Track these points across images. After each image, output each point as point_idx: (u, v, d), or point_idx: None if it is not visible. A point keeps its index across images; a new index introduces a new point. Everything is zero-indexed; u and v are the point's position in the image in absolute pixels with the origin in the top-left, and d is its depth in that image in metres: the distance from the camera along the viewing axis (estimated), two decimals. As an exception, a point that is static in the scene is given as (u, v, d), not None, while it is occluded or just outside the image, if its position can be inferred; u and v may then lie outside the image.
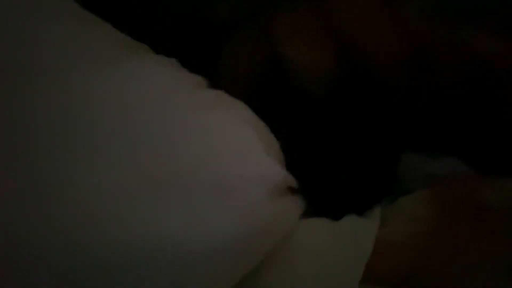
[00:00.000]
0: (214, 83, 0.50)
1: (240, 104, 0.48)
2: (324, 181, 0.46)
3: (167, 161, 0.38)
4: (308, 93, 0.50)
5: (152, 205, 0.37)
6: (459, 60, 0.51)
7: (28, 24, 0.43)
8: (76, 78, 0.41)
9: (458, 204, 0.43)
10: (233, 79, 0.52)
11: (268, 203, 0.39)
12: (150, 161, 0.38)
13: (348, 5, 0.52)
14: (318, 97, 0.50)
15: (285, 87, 0.50)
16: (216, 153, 0.40)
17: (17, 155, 0.37)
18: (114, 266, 0.35)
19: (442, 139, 0.52)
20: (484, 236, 0.40)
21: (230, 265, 0.37)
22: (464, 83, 0.52)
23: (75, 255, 0.35)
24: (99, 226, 0.36)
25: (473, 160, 0.50)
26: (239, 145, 0.42)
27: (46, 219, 0.36)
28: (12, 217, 0.36)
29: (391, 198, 0.47)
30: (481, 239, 0.40)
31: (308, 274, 0.39)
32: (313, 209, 0.44)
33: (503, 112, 0.51)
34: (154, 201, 0.37)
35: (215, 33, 0.53)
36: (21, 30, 0.42)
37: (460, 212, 0.42)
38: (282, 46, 0.51)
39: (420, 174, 0.50)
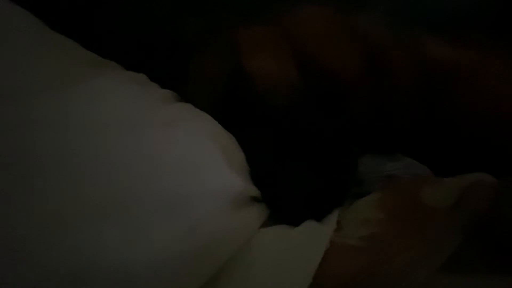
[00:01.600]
0: (184, 97, 0.52)
1: (204, 116, 0.49)
2: (285, 188, 0.47)
3: (108, 185, 0.38)
4: (270, 103, 0.51)
5: (90, 232, 0.36)
6: (414, 67, 0.54)
7: None
8: (31, 102, 0.41)
9: (403, 205, 0.44)
10: (200, 92, 0.53)
11: (222, 215, 0.40)
12: (91, 187, 0.38)
13: (307, 19, 0.54)
14: (280, 107, 0.51)
15: (249, 99, 0.52)
16: (166, 170, 0.40)
17: None
18: None
19: (400, 141, 0.54)
20: (424, 234, 0.42)
21: (177, 283, 0.37)
22: (417, 87, 0.54)
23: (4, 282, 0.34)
24: (32, 252, 0.35)
25: (430, 160, 0.53)
26: (194, 159, 0.42)
27: None
28: None
29: (351, 201, 0.48)
30: (421, 237, 0.42)
31: (262, 282, 0.39)
32: (276, 217, 0.46)
33: (455, 116, 0.54)
34: (92, 226, 0.36)
35: (181, 49, 0.54)
36: None
37: (404, 213, 0.44)
38: (245, 60, 0.52)
39: (379, 175, 0.52)
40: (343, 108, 0.53)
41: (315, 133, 0.51)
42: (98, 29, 0.54)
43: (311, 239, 0.42)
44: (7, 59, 0.44)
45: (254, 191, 0.46)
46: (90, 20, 0.55)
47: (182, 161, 0.42)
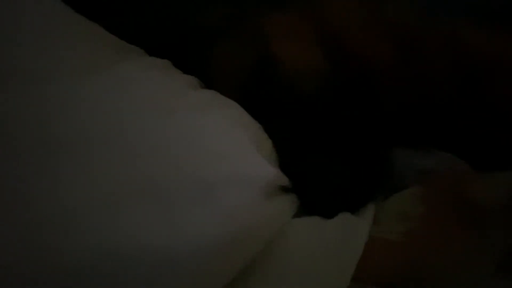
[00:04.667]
0: (207, 84, 0.50)
1: (232, 103, 0.47)
2: (316, 179, 0.46)
3: (145, 167, 0.38)
4: (299, 91, 0.50)
5: (127, 213, 0.36)
6: (449, 55, 0.51)
7: (15, 31, 0.43)
8: (62, 86, 0.41)
9: (448, 201, 0.42)
10: (225, 79, 0.51)
11: (256, 203, 0.39)
12: (129, 169, 0.38)
13: (335, 5, 0.52)
14: (309, 95, 0.50)
15: (275, 86, 0.50)
16: (201, 155, 0.39)
17: None
18: (85, 276, 0.34)
19: (435, 134, 0.52)
20: (475, 233, 0.40)
21: (215, 269, 0.36)
22: (453, 78, 0.51)
23: (42, 261, 0.34)
24: (70, 233, 0.35)
25: (467, 155, 0.50)
26: (227, 146, 0.41)
27: (13, 224, 0.34)
28: None
29: (385, 195, 0.47)
30: (472, 237, 0.40)
31: (298, 274, 0.38)
32: (306, 208, 0.44)
33: (493, 106, 0.51)
34: (129, 208, 0.36)
35: (206, 36, 0.53)
36: (6, 38, 0.42)
37: (450, 210, 0.41)
38: (273, 46, 0.51)
39: (414, 170, 0.49)
40: (373, 98, 0.51)
41: (344, 123, 0.49)
42: (121, 14, 0.53)
43: (349, 233, 0.40)
44: (39, 44, 0.44)
45: (284, 180, 0.44)
46: (113, 6, 0.53)
47: (215, 147, 0.41)
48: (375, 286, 0.38)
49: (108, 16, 0.51)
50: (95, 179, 0.37)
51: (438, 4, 0.54)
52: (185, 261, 0.35)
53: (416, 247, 0.40)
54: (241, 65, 0.52)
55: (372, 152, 0.49)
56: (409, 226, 0.41)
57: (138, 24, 0.52)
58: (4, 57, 0.41)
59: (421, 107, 0.51)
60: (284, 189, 0.44)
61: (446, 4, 0.54)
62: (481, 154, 0.50)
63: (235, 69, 0.52)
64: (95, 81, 0.42)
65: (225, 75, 0.52)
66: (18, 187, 0.36)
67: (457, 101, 0.52)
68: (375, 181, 0.47)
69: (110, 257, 0.34)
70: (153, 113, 0.41)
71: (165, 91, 0.44)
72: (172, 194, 0.37)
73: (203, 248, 0.35)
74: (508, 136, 0.50)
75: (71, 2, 0.50)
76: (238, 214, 0.38)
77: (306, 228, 0.41)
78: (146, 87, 0.43)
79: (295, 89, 0.50)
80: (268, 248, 0.39)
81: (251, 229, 0.38)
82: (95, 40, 0.47)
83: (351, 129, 0.49)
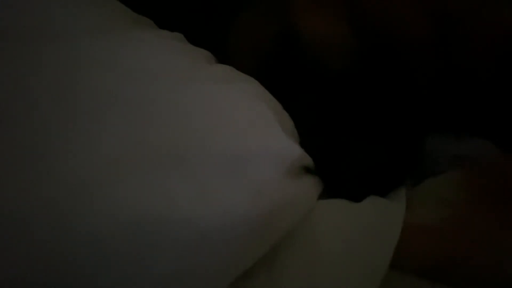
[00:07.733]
0: (222, 60, 0.47)
1: (251, 79, 0.45)
2: (341, 161, 0.43)
3: (173, 132, 0.35)
4: (324, 67, 0.47)
5: (155, 179, 0.33)
6: (489, 34, 0.48)
7: None
8: (76, 45, 0.38)
9: (492, 188, 0.39)
10: (243, 55, 0.49)
11: (284, 181, 0.37)
12: (153, 132, 0.35)
13: None
14: (335, 72, 0.47)
15: (299, 62, 0.47)
16: (229, 127, 0.37)
17: (3, 118, 0.34)
18: (108, 246, 0.31)
19: (470, 119, 0.49)
20: None
21: (245, 245, 0.34)
22: (493, 59, 0.48)
23: (61, 232, 0.31)
24: (93, 200, 0.32)
25: (503, 141, 0.47)
26: (253, 120, 0.39)
27: (28, 191, 0.32)
28: None
29: (414, 181, 0.44)
30: None
31: (330, 258, 0.36)
32: (329, 191, 0.41)
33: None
34: (157, 174, 0.33)
35: (225, 6, 0.50)
36: None
37: (494, 197, 0.39)
38: (297, 18, 0.48)
39: (446, 156, 0.47)
40: (405, 77, 0.48)
41: (374, 103, 0.47)
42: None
43: (384, 217, 0.38)
44: (45, 4, 0.41)
45: (308, 160, 0.41)
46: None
47: (239, 119, 0.38)
48: (414, 275, 0.36)
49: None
50: (115, 143, 0.34)
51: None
52: (219, 236, 0.33)
53: (458, 234, 0.37)
54: (260, 39, 0.49)
55: (404, 135, 0.46)
56: (449, 212, 0.38)
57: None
58: (12, 16, 0.39)
59: (457, 88, 0.48)
60: (307, 170, 0.41)
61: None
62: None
63: (254, 43, 0.49)
64: (109, 41, 0.39)
65: (243, 50, 0.49)
66: (30, 147, 0.33)
67: (497, 85, 0.49)
68: (407, 165, 0.45)
69: (139, 224, 0.32)
70: (175, 79, 0.39)
71: (182, 61, 0.41)
72: (198, 164, 0.34)
73: (235, 224, 0.33)
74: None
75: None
76: (267, 191, 0.35)
77: (335, 210, 0.39)
78: (162, 53, 0.41)
79: (320, 65, 0.47)
80: (295, 231, 0.36)
81: (280, 208, 0.35)
82: (108, 6, 0.45)
83: (381, 110, 0.46)
